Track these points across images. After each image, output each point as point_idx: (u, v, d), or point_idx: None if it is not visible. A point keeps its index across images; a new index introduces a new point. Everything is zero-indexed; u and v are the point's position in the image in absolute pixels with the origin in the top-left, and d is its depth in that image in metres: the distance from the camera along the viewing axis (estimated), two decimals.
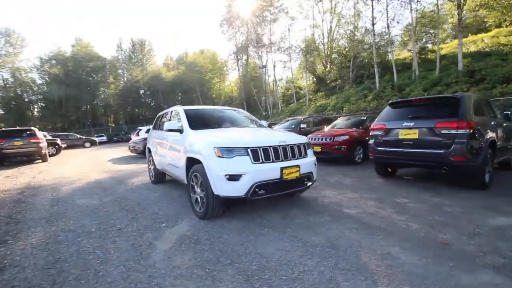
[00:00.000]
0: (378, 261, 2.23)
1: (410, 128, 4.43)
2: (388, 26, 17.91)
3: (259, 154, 3.05)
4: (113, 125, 42.89)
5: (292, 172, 3.19)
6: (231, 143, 3.09)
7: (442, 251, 2.36)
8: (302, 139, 3.62)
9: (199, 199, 3.36)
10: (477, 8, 17.21)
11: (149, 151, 5.76)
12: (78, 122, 40.35)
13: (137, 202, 4.22)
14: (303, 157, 3.43)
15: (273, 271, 2.12)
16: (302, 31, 33.22)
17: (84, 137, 25.43)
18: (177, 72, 42.49)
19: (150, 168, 5.79)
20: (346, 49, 25.02)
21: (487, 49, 15.56)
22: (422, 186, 4.59)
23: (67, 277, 2.13)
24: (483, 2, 15.97)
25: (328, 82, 26.50)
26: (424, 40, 20.58)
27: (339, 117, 10.93)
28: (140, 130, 13.31)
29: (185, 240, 2.74)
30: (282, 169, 3.09)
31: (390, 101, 5.22)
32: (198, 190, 3.36)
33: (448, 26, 18.60)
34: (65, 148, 19.09)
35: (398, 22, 19.44)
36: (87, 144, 24.17)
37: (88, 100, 39.84)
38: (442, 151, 4.04)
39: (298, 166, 3.25)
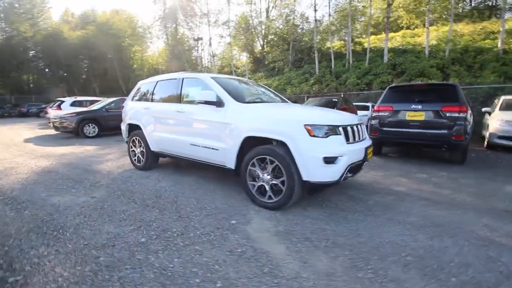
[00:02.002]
0: (489, 232, 2.35)
1: (417, 111, 4.86)
2: (329, 15, 19.09)
3: (349, 134, 2.73)
4: None
5: (370, 153, 3.01)
6: (323, 120, 2.63)
7: None
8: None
9: (267, 187, 2.79)
10: (395, 9, 20.22)
11: (135, 128, 4.48)
12: None
13: (156, 196, 3.22)
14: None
15: (424, 258, 1.94)
16: (241, 5, 32.08)
17: None
18: (84, 33, 34.50)
19: (134, 150, 4.52)
20: (284, 32, 25.64)
21: (403, 47, 18.63)
22: (414, 163, 5.18)
23: None
24: (406, 4, 18.94)
25: (266, 63, 26.79)
26: (354, 33, 23.00)
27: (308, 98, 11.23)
28: (62, 102, 10.37)
29: (289, 237, 2.23)
30: (366, 149, 2.87)
31: (391, 85, 5.58)
32: (266, 176, 2.77)
33: (367, 21, 21.25)
34: None
35: (335, 12, 20.87)
36: None
37: None
38: (446, 131, 4.61)
39: (371, 146, 3.09)
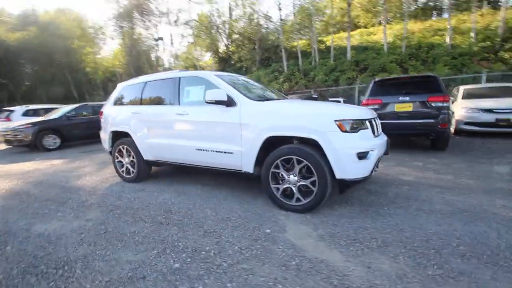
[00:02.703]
0: (510, 212, 2.47)
1: (405, 102, 5.08)
2: (294, 14, 19.46)
3: (374, 127, 2.68)
4: None
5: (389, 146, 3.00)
6: (351, 114, 2.52)
7: None
8: None
9: (294, 189, 2.61)
10: (353, 8, 21.40)
11: (120, 136, 3.96)
12: None
13: (165, 211, 2.84)
14: None
15: (473, 246, 1.95)
16: (201, 4, 31.23)
17: None
18: (25, 34, 30.62)
19: (122, 161, 4.00)
20: (249, 31, 25.61)
21: (363, 44, 19.75)
22: (403, 152, 5.43)
23: None
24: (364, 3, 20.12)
25: (233, 62, 26.49)
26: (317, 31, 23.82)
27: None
28: (12, 112, 9.00)
29: (336, 241, 2.08)
30: (388, 143, 2.85)
31: (376, 79, 5.77)
32: (293, 178, 2.59)
33: (328, 20, 22.21)
34: None
35: (297, 12, 21.39)
36: None
37: None
38: (433, 120, 4.88)
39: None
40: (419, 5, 22.85)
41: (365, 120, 2.56)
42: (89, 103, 9.04)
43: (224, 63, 27.82)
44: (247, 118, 2.79)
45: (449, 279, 1.62)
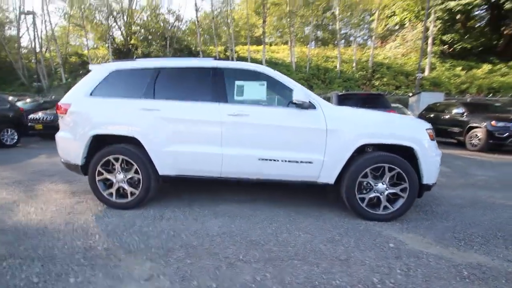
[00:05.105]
0: None
1: None
2: (213, 18, 19.16)
3: None
4: None
5: None
6: (429, 124, 2.72)
7: None
8: None
9: (381, 198, 2.56)
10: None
11: (108, 141, 2.69)
12: None
13: (248, 243, 2.13)
14: None
15: None
16: None
17: None
18: None
19: (112, 179, 2.71)
20: (152, 25, 23.34)
21: (272, 60, 21.72)
22: None
23: None
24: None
25: (135, 58, 23.16)
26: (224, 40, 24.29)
27: None
28: None
29: (481, 244, 2.17)
30: None
31: (339, 93, 6.46)
32: (382, 186, 2.54)
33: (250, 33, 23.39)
34: None
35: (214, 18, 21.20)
36: None
37: None
38: None
39: None
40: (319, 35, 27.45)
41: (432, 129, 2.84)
42: None
43: (122, 56, 23.89)
44: (334, 124, 2.52)
45: None
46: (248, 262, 1.87)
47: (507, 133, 6.59)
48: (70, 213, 2.68)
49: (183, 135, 2.65)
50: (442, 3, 18.76)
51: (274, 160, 2.57)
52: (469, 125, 7.40)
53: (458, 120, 7.86)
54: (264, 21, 18.86)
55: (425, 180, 2.55)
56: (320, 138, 2.53)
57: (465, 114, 7.74)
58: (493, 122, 6.80)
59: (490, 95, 14.69)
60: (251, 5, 22.95)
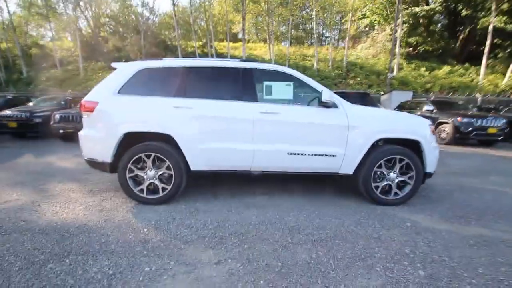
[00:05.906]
0: None
1: None
2: (191, 12, 18.74)
3: None
4: None
5: None
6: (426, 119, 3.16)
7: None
8: None
9: (392, 185, 2.94)
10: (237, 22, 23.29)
11: (140, 139, 2.73)
12: None
13: (315, 229, 2.36)
14: None
15: None
16: None
17: None
18: None
19: (143, 176, 2.76)
20: (121, 16, 22.24)
21: (252, 57, 21.86)
22: None
23: None
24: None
25: (106, 51, 21.92)
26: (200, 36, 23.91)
27: None
28: None
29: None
30: None
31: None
32: (393, 175, 2.91)
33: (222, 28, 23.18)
34: None
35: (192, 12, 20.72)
36: None
37: None
38: None
39: None
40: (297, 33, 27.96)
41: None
42: None
43: (92, 49, 22.46)
44: (355, 121, 2.83)
45: None
46: (298, 244, 2.11)
47: (471, 128, 7.51)
48: (101, 210, 2.69)
49: (216, 133, 2.79)
50: (408, 8, 20.29)
51: (302, 154, 2.83)
52: (438, 121, 8.28)
53: (428, 116, 8.74)
54: (243, 18, 18.90)
55: (428, 169, 2.98)
56: (343, 133, 2.83)
57: (434, 111, 8.64)
58: (459, 118, 7.70)
59: (450, 93, 16.34)
60: (229, 1, 22.87)
